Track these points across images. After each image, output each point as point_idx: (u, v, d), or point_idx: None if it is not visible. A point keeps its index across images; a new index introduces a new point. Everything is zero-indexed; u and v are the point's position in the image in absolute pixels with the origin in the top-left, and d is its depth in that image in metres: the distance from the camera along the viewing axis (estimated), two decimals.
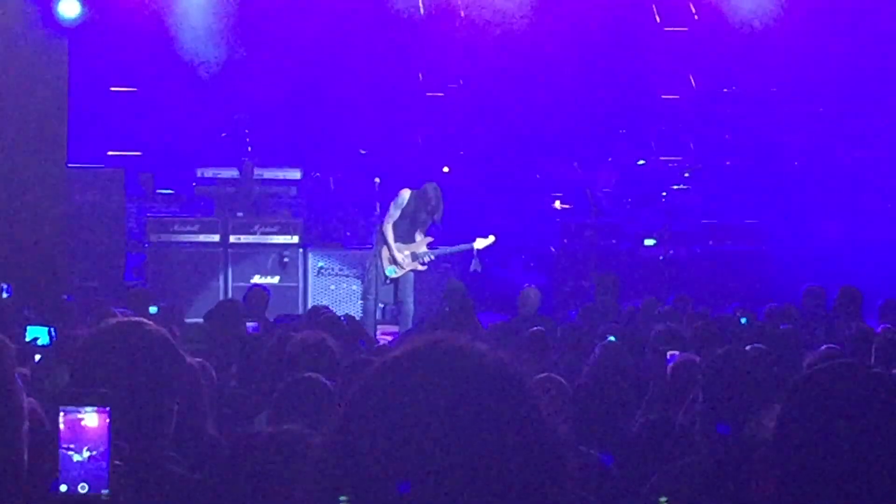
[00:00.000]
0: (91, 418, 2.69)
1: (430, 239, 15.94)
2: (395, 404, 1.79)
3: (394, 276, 15.74)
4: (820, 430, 2.37)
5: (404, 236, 15.78)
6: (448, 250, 16.23)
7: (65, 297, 13.78)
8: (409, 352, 1.87)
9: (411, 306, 15.80)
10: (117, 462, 2.66)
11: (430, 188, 15.77)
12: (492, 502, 1.73)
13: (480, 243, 16.25)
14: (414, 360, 1.84)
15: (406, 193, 15.78)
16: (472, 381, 1.80)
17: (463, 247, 16.30)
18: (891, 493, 2.32)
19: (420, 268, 15.89)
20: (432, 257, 15.93)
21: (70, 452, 2.68)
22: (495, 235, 16.39)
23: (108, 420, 2.69)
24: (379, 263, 15.75)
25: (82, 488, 2.67)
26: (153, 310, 12.55)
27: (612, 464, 5.00)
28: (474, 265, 16.44)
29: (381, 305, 16.37)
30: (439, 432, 1.75)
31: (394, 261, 15.70)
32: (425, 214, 15.74)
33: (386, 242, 15.70)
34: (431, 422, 1.76)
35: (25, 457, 2.88)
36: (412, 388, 1.80)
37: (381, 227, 15.93)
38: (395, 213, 15.75)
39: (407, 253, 15.76)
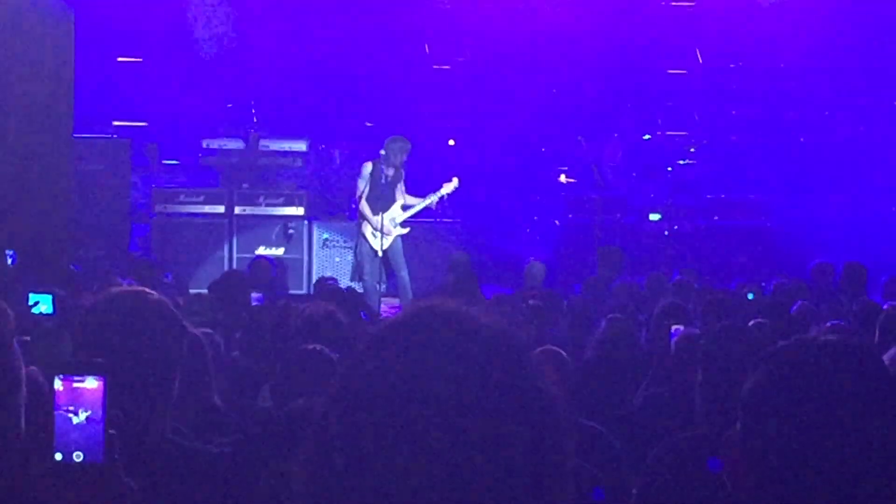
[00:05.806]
0: (87, 383, 2.68)
1: (402, 201, 15.96)
2: (390, 368, 1.80)
3: (385, 247, 15.74)
4: (784, 408, 2.36)
5: (383, 205, 15.79)
6: (422, 205, 16.18)
7: (71, 266, 13.78)
8: (405, 317, 1.90)
9: (406, 276, 15.83)
10: (112, 431, 2.65)
11: (389, 142, 15.88)
12: (485, 466, 1.75)
13: (447, 188, 16.22)
14: (409, 325, 1.86)
15: (368, 165, 15.88)
16: (466, 344, 1.82)
17: (433, 196, 16.22)
18: (859, 469, 2.31)
19: (404, 231, 15.93)
20: (413, 212, 15.99)
21: (67, 414, 2.66)
22: (459, 179, 16.34)
23: (103, 387, 2.67)
24: (364, 242, 15.77)
25: (77, 457, 2.65)
26: None
27: (602, 498, 4.96)
28: (435, 205, 16.43)
29: (380, 285, 16.28)
30: (434, 395, 1.77)
31: (379, 232, 15.71)
32: (394, 171, 15.79)
33: (365, 217, 15.73)
34: (426, 385, 1.78)
35: (23, 425, 2.87)
36: (408, 352, 1.82)
37: (358, 206, 15.94)
38: (362, 185, 15.79)
39: (388, 221, 15.77)
